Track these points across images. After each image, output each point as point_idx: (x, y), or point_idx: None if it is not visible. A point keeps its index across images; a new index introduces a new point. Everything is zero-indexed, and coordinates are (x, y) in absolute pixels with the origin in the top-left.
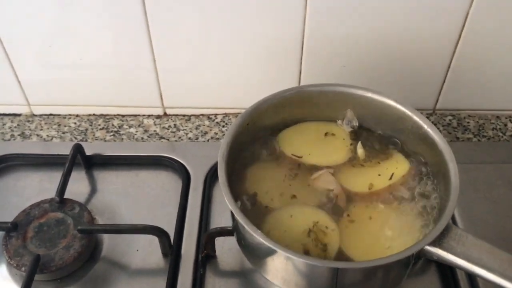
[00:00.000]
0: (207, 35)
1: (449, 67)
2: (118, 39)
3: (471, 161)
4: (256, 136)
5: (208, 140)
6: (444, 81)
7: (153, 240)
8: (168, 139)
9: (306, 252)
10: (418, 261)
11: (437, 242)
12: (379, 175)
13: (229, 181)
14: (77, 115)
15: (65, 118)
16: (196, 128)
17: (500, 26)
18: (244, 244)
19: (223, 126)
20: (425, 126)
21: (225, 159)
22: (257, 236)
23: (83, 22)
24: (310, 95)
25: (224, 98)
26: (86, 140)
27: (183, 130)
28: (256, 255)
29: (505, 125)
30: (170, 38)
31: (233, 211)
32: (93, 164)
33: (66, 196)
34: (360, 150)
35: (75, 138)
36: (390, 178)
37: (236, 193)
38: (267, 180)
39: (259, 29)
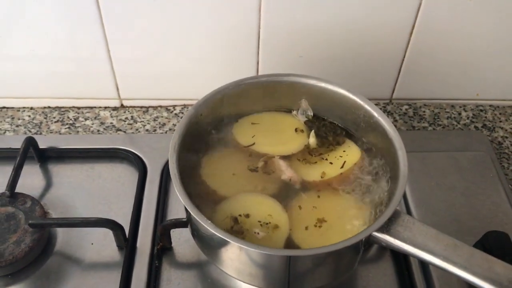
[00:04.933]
0: (163, 26)
1: (404, 56)
2: (71, 29)
3: (426, 149)
4: (211, 127)
5: (166, 132)
6: (399, 71)
7: (108, 233)
8: (125, 131)
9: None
10: (369, 247)
11: (385, 228)
12: (331, 163)
13: (181, 172)
14: (31, 108)
15: (19, 111)
16: (154, 120)
17: (454, 15)
18: (198, 236)
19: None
20: (376, 115)
21: (177, 150)
22: (206, 226)
23: (35, 12)
24: (264, 85)
25: (183, 89)
26: (40, 133)
27: (140, 122)
28: (209, 247)
29: (459, 113)
30: (124, 28)
31: (183, 202)
32: (47, 157)
33: (18, 190)
34: (312, 139)
35: (29, 131)
36: (342, 167)
37: (189, 184)
38: (222, 171)
39: (215, 19)
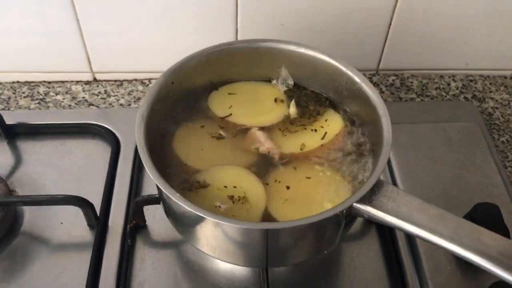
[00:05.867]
0: None
1: (390, 24)
2: (39, 2)
3: (414, 121)
4: (185, 96)
5: None
6: (386, 39)
7: (79, 212)
8: (97, 106)
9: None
10: (351, 220)
11: (367, 199)
12: (312, 134)
13: (151, 144)
14: None
15: None
16: (129, 94)
17: None
18: (170, 212)
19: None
20: (359, 81)
21: (146, 120)
22: (175, 200)
23: None
24: (240, 52)
25: (159, 61)
26: (8, 109)
27: (114, 96)
28: (182, 223)
29: (448, 84)
30: None
31: (150, 174)
32: (15, 134)
33: None
34: (292, 109)
35: None
36: (323, 138)
37: (160, 157)
38: (196, 143)
39: None
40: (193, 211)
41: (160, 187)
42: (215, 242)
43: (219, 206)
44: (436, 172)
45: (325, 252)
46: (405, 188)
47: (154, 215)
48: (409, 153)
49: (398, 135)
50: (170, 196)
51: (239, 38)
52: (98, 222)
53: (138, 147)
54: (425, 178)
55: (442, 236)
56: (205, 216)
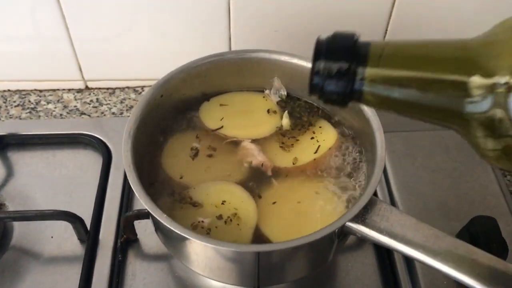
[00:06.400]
0: (128, 2)
1: (386, 29)
2: (28, 8)
3: (410, 128)
4: (175, 109)
5: None
6: None
7: (69, 226)
8: (89, 115)
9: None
10: (344, 238)
11: (360, 218)
12: (305, 147)
13: (141, 159)
14: None
15: None
16: (121, 102)
17: None
18: (159, 229)
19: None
20: None
21: (133, 136)
22: (162, 221)
23: None
24: (231, 63)
25: (152, 69)
26: None
27: (106, 104)
28: (172, 241)
29: None
30: (84, 5)
31: (138, 195)
32: (6, 145)
33: None
34: (285, 120)
35: None
36: (316, 151)
37: (150, 172)
38: (186, 157)
39: None
40: (180, 233)
41: (147, 208)
42: (205, 261)
43: (202, 221)
44: (433, 182)
45: (318, 269)
46: (401, 199)
47: (145, 228)
48: (406, 162)
49: (394, 144)
50: (157, 218)
51: (233, 45)
52: (89, 236)
53: (124, 165)
54: (422, 188)
55: (436, 258)
56: (192, 239)
